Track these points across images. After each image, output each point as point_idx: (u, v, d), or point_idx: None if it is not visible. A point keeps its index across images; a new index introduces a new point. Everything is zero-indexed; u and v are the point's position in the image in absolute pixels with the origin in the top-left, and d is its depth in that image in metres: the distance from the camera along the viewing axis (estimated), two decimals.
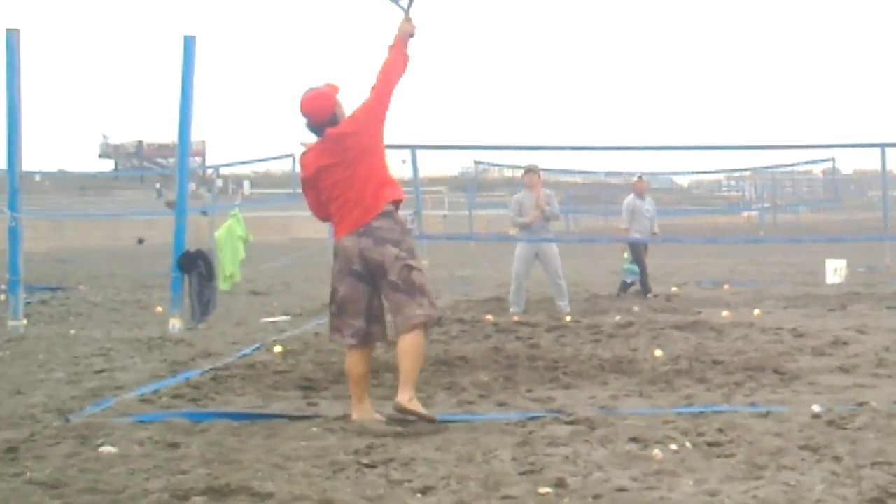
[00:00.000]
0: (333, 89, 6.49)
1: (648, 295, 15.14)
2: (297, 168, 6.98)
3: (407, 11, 6.66)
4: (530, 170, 13.72)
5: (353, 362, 6.40)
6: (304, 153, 6.59)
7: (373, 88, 6.47)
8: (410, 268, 6.26)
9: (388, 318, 6.50)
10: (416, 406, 6.21)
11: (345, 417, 6.44)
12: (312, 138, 6.57)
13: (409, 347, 6.22)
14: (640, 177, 16.95)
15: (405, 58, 6.55)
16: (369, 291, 6.36)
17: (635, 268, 15.76)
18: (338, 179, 6.36)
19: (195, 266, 11.24)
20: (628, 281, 15.84)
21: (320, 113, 6.40)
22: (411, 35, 6.56)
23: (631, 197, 16.23)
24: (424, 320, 6.25)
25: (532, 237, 13.20)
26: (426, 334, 6.40)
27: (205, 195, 51.37)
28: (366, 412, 6.33)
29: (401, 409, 6.20)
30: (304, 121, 6.46)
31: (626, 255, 15.91)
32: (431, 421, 6.22)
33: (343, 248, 6.33)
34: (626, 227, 16.03)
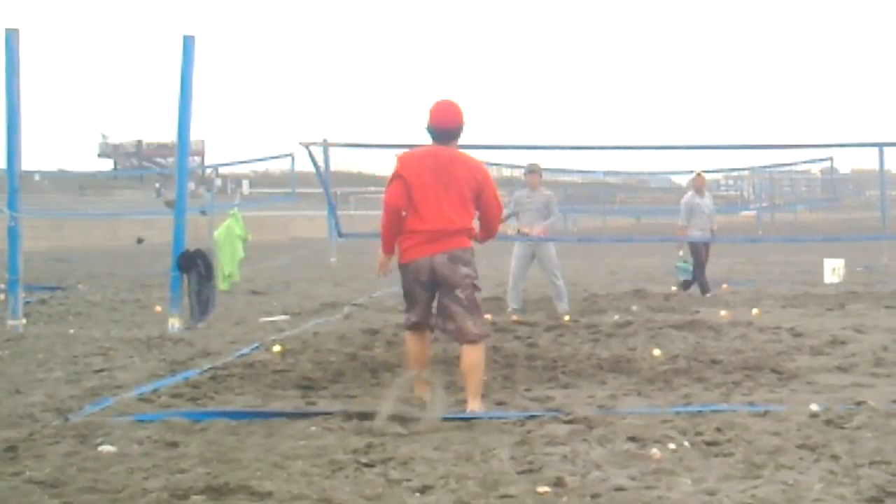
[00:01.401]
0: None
1: (707, 294, 15.19)
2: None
3: None
4: (532, 170, 13.70)
5: (412, 343, 7.06)
6: (409, 156, 6.98)
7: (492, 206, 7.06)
8: (475, 288, 6.83)
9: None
10: (481, 407, 6.81)
11: (343, 415, 6.45)
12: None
13: (474, 363, 6.83)
14: (699, 173, 16.32)
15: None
16: (429, 298, 6.91)
17: (688, 266, 15.74)
18: (453, 200, 6.80)
19: (194, 265, 11.24)
20: (682, 278, 15.89)
21: (453, 120, 6.90)
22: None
23: (690, 194, 15.96)
24: (477, 339, 6.81)
25: (529, 237, 13.23)
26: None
27: (204, 195, 51.35)
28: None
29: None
30: (429, 125, 6.88)
31: (680, 253, 15.85)
32: None
33: (416, 265, 6.81)
34: (684, 226, 15.74)
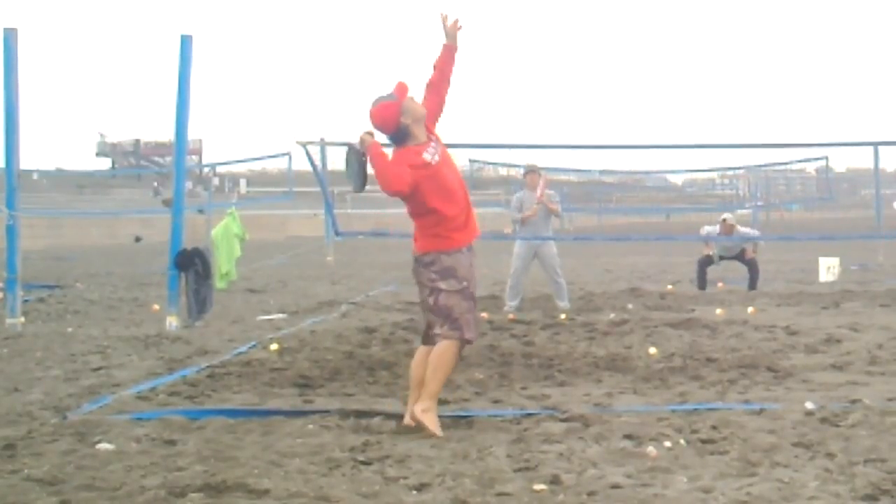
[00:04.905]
0: (402, 90, 6.36)
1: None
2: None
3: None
4: (531, 170, 13.82)
5: (416, 363, 6.42)
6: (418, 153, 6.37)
7: (435, 92, 6.47)
8: (439, 290, 6.27)
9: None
10: (426, 418, 6.10)
11: (340, 413, 6.47)
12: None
13: (433, 360, 6.25)
14: (724, 220, 16.44)
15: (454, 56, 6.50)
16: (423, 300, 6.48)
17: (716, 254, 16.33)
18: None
19: (192, 264, 11.27)
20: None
21: (386, 125, 6.32)
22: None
23: (714, 228, 16.43)
24: (445, 339, 6.27)
25: (532, 236, 13.31)
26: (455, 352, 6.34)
27: (201, 194, 51.40)
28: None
29: (413, 418, 6.16)
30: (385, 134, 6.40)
31: (713, 251, 16.31)
32: (433, 436, 6.03)
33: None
34: (706, 242, 16.55)
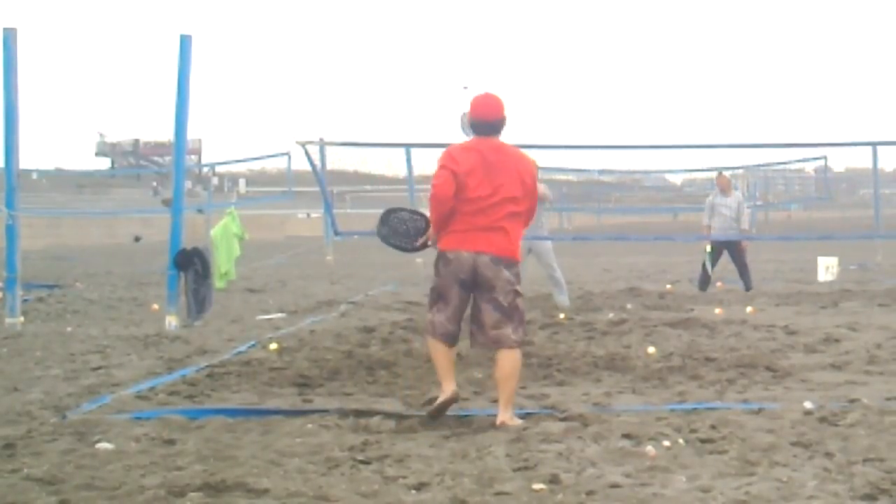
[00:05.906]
0: None
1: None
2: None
3: None
4: None
5: (444, 352, 6.61)
6: (456, 149, 6.64)
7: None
8: (517, 293, 6.51)
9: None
10: (516, 422, 6.33)
11: (339, 413, 6.47)
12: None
13: (511, 370, 6.47)
14: (720, 173, 16.77)
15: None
16: (467, 300, 6.59)
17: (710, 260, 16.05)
18: (502, 195, 6.49)
19: (191, 264, 11.27)
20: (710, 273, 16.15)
21: (493, 112, 6.62)
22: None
23: (712, 194, 16.32)
24: (516, 346, 6.53)
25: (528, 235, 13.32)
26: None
27: (201, 193, 51.44)
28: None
29: (503, 425, 6.27)
30: (469, 120, 6.64)
31: (707, 248, 16.05)
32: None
33: (459, 258, 6.47)
34: (707, 225, 16.14)
